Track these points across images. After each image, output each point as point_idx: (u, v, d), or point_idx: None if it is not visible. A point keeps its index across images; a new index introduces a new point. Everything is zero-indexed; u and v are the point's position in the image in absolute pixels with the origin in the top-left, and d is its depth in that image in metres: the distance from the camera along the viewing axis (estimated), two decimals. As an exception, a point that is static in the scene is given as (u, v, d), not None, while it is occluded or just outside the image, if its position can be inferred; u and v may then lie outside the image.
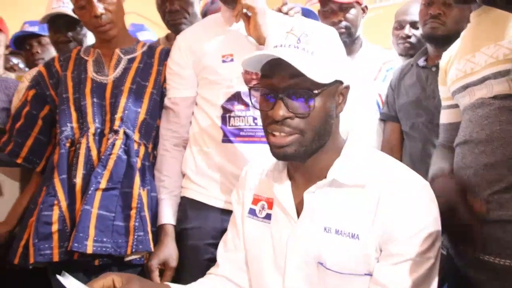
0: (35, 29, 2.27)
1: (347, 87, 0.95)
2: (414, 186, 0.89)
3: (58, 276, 0.85)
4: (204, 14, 2.12)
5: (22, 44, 2.30)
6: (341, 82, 0.93)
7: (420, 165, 1.67)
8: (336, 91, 0.92)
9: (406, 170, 0.93)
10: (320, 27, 0.93)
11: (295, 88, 0.87)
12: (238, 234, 1.10)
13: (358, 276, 0.88)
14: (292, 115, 0.88)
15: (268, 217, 1.02)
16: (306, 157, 0.94)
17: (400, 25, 2.08)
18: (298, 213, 0.95)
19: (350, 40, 1.82)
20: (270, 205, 1.02)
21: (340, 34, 1.76)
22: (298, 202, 0.96)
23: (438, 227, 0.88)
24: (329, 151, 0.95)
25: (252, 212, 1.06)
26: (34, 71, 1.99)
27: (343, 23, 1.80)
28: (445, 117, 1.38)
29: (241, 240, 1.09)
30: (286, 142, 0.89)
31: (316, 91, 0.86)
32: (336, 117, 0.95)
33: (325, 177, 0.92)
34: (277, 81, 0.88)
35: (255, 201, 1.06)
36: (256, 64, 0.93)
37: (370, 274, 0.88)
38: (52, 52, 2.29)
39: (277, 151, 0.91)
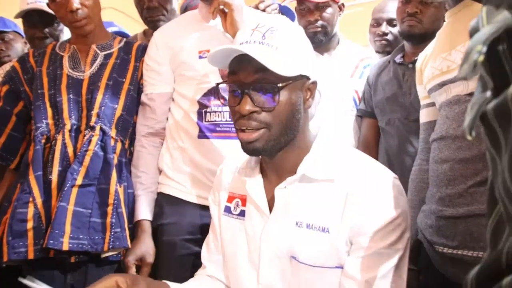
0: None
1: (314, 83, 0.96)
2: (381, 179, 0.90)
3: (22, 279, 0.83)
4: (184, 9, 2.11)
5: None
6: (307, 78, 0.94)
7: (396, 160, 1.70)
8: (303, 86, 0.93)
9: (374, 164, 0.95)
10: (285, 23, 0.94)
11: (260, 82, 0.88)
12: (216, 236, 1.11)
13: (329, 269, 0.90)
14: (259, 109, 0.89)
15: (242, 213, 1.03)
16: (275, 151, 0.94)
17: (377, 23, 2.10)
18: (271, 208, 0.96)
19: (326, 38, 1.83)
20: (244, 202, 1.03)
21: (316, 33, 1.80)
22: (270, 197, 0.97)
23: (407, 219, 0.90)
24: (299, 147, 0.96)
25: (227, 209, 1.07)
26: (7, 66, 1.95)
27: (319, 22, 1.81)
28: (424, 115, 1.41)
29: (219, 241, 1.09)
30: (254, 137, 0.90)
31: (280, 85, 0.88)
32: (305, 113, 0.95)
33: (295, 173, 0.93)
34: (243, 76, 0.89)
35: (230, 198, 1.07)
36: (224, 61, 0.93)
37: (341, 267, 0.90)
38: (17, 48, 2.25)
39: (247, 147, 0.92)
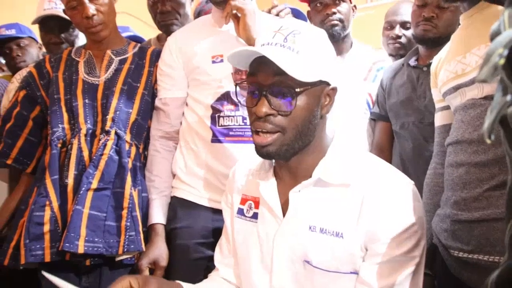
0: (12, 32, 2.25)
1: (334, 89, 0.94)
2: (398, 185, 0.89)
3: (45, 273, 0.85)
4: (198, 14, 2.12)
5: (1, 48, 2.28)
6: (327, 84, 0.93)
7: (410, 164, 1.68)
8: (322, 92, 0.92)
9: (390, 170, 0.94)
10: (309, 27, 0.93)
11: (279, 85, 0.88)
12: (229, 239, 1.11)
13: (344, 274, 0.89)
14: (275, 113, 0.89)
15: (255, 216, 1.02)
16: (289, 156, 0.94)
17: (390, 26, 2.08)
18: (284, 212, 0.96)
19: (343, 34, 1.81)
20: (257, 204, 1.03)
21: (334, 25, 1.77)
22: (284, 201, 0.97)
23: (423, 226, 0.89)
24: (315, 151, 0.95)
25: (240, 212, 1.07)
26: (24, 71, 1.98)
27: (337, 15, 1.79)
28: (438, 119, 1.39)
29: (231, 244, 1.10)
30: (268, 141, 0.90)
31: (298, 90, 0.87)
32: (322, 118, 0.94)
33: (310, 177, 0.92)
34: (261, 78, 0.89)
35: (243, 201, 1.07)
36: (244, 63, 0.93)
37: (356, 273, 0.89)
38: (32, 53, 2.28)
39: (261, 150, 0.92)
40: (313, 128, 0.92)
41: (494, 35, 0.44)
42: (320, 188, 0.93)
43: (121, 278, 0.91)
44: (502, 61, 0.40)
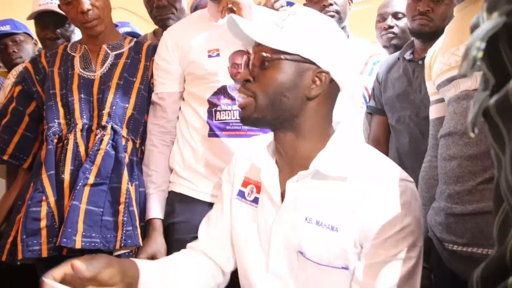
0: (7, 28, 2.24)
1: (327, 73, 0.91)
2: (397, 184, 0.87)
3: (47, 280, 0.82)
4: (195, 8, 2.12)
5: None
6: (316, 65, 0.90)
7: (406, 158, 1.69)
8: (307, 70, 0.90)
9: (390, 166, 0.92)
10: (311, 10, 0.95)
11: (257, 53, 0.92)
12: (223, 210, 1.10)
13: (336, 268, 0.88)
14: (251, 79, 0.93)
15: (255, 200, 1.02)
16: (268, 125, 0.97)
17: (382, 18, 2.08)
18: (283, 200, 0.96)
19: (339, 26, 1.80)
20: (258, 189, 1.02)
21: (331, 17, 1.76)
22: (284, 190, 0.96)
23: (420, 226, 0.87)
24: (310, 139, 0.94)
25: (241, 194, 1.06)
26: (20, 67, 1.98)
27: (334, 7, 1.78)
28: (433, 112, 1.39)
29: (225, 217, 1.09)
30: (242, 104, 0.95)
31: (269, 55, 0.90)
32: (309, 100, 0.92)
33: (308, 167, 0.92)
34: (252, 48, 0.96)
35: (245, 183, 1.06)
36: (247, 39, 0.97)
37: (347, 268, 0.88)
38: (28, 49, 2.27)
39: (240, 117, 0.98)
40: (288, 102, 0.92)
41: (474, 28, 0.44)
42: (317, 180, 0.92)
43: (65, 263, 0.82)
44: (480, 54, 0.40)
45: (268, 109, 0.92)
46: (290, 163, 0.97)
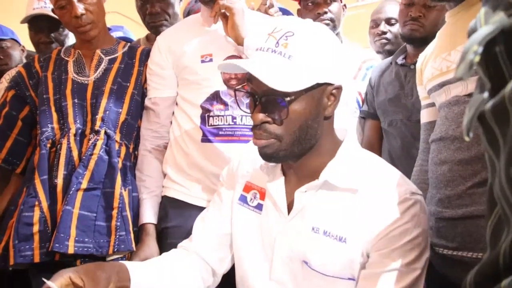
0: None
1: (339, 88, 0.90)
2: (405, 197, 0.87)
3: (47, 281, 0.82)
4: (187, 13, 2.12)
5: None
6: (329, 84, 0.89)
7: (398, 162, 1.69)
8: (323, 93, 0.89)
9: (399, 179, 0.91)
10: (306, 26, 0.89)
11: (271, 94, 0.86)
12: (221, 212, 1.09)
13: (342, 280, 0.88)
14: (270, 120, 0.88)
15: (259, 207, 1.01)
16: (292, 159, 0.93)
17: (375, 24, 2.10)
18: (289, 210, 0.95)
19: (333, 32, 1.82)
20: (262, 196, 1.01)
21: (326, 25, 1.77)
22: (290, 199, 0.96)
23: (427, 238, 0.88)
24: (322, 152, 0.93)
25: (242, 199, 1.05)
26: (13, 71, 1.97)
27: (328, 15, 1.79)
28: (424, 116, 1.40)
29: (224, 220, 1.08)
30: (262, 143, 0.90)
31: (288, 98, 0.85)
32: (326, 119, 0.92)
33: (318, 178, 0.91)
34: (255, 85, 0.88)
35: (247, 188, 1.05)
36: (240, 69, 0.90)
37: (353, 279, 0.88)
38: (15, 56, 2.24)
39: (260, 152, 0.92)
40: (314, 131, 0.90)
41: (471, 32, 0.44)
42: (326, 191, 0.92)
43: (60, 273, 0.84)
44: (477, 58, 0.40)
45: (295, 145, 0.90)
46: (299, 173, 0.97)
